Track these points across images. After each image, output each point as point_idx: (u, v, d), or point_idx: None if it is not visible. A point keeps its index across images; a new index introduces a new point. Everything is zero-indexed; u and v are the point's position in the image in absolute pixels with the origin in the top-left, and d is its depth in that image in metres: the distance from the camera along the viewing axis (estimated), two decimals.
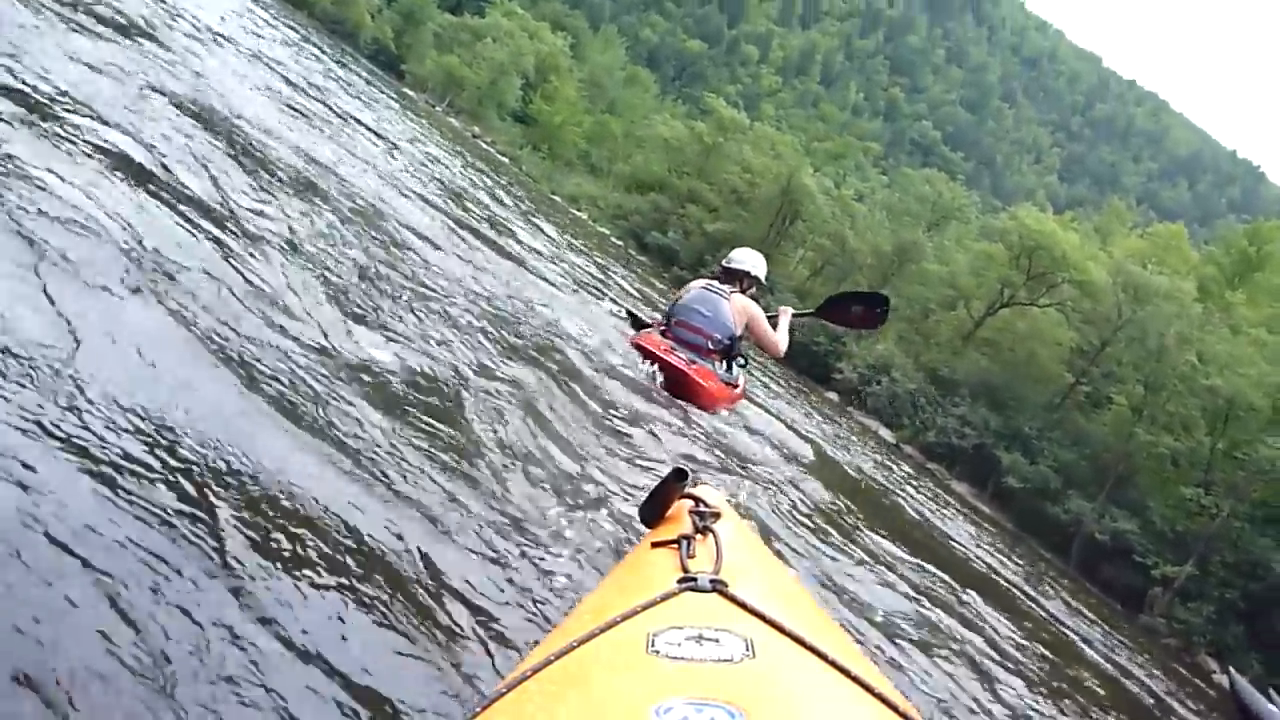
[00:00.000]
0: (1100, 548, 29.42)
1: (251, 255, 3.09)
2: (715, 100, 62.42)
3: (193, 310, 2.42)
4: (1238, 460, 29.60)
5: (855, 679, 0.93)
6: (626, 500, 2.87)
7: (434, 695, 1.55)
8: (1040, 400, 37.51)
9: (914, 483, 17.08)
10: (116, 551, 1.43)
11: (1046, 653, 6.31)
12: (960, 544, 10.81)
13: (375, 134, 10.79)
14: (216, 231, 3.10)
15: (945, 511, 15.17)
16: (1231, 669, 13.00)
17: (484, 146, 56.69)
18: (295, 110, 7.60)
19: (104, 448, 1.65)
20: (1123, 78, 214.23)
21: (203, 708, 1.27)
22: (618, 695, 0.86)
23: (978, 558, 10.62)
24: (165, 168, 3.46)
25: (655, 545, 1.39)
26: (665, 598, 1.09)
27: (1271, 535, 27.35)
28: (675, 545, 1.32)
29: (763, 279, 6.09)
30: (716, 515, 1.43)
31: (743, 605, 1.06)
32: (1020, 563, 15.38)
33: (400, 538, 2.13)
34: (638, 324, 6.24)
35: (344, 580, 1.82)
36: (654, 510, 1.58)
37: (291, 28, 25.05)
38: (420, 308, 3.77)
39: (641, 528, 1.66)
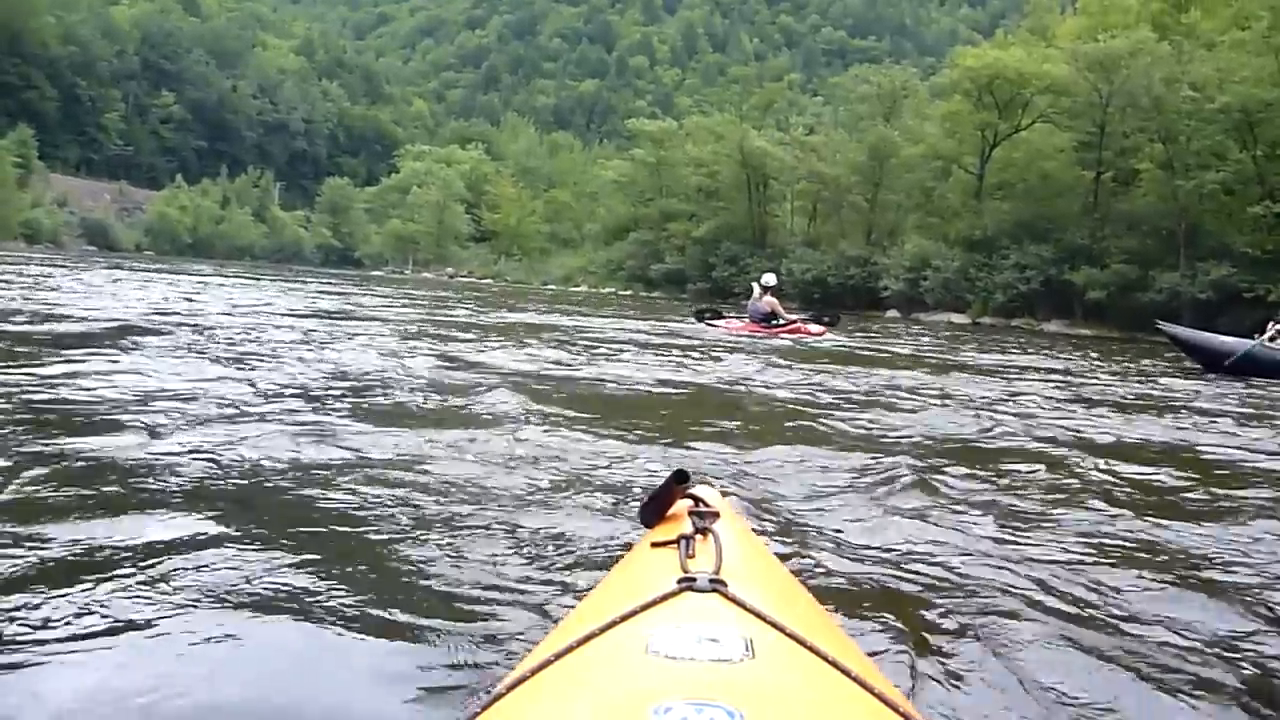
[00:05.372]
0: (1208, 305, 28.67)
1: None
2: (636, 123, 62.98)
3: None
4: None
5: (855, 678, 0.94)
6: (626, 502, 3.03)
7: (434, 697, 1.65)
8: (1075, 209, 36.82)
9: (998, 346, 16.98)
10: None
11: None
12: (1062, 370, 10.79)
13: (360, 333, 10.47)
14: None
15: (1037, 353, 15.09)
16: (1159, 322, 14.77)
17: (463, 281, 57.77)
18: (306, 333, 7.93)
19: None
20: None
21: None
22: (617, 695, 0.87)
23: (1086, 378, 10.59)
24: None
25: (655, 545, 1.39)
26: (665, 597, 1.09)
27: None
28: (675, 545, 1.31)
29: (774, 281, 14.79)
30: (716, 515, 1.43)
31: (742, 605, 1.07)
32: (1135, 363, 15.20)
33: (399, 541, 2.51)
34: (715, 315, 15.60)
35: (344, 584, 2.15)
36: (654, 511, 1.59)
37: (248, 278, 25.84)
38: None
39: (641, 528, 1.70)
